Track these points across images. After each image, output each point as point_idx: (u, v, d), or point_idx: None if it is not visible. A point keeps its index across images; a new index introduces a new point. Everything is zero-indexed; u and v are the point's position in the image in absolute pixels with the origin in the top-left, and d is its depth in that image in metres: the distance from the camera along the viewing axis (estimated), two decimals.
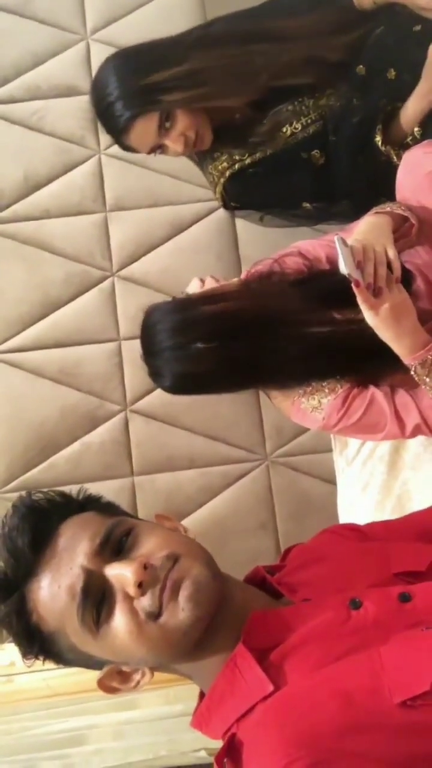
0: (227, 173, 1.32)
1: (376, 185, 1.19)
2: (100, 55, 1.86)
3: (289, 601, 0.67)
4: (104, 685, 0.66)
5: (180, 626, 0.61)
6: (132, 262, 1.73)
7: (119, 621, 0.61)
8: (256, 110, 1.30)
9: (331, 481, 1.45)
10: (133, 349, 1.56)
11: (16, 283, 1.70)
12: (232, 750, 0.60)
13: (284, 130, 1.28)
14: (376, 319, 0.96)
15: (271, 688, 0.59)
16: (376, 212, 1.05)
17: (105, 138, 1.80)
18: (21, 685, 1.49)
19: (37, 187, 1.76)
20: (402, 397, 1.06)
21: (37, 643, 0.63)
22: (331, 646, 0.60)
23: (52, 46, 1.87)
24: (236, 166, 1.31)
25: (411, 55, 1.22)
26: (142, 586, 0.60)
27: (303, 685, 0.59)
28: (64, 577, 0.62)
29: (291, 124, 1.27)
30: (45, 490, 0.68)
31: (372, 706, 0.55)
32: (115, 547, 0.63)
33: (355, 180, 1.26)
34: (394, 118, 1.24)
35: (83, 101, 1.82)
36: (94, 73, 1.86)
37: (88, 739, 1.48)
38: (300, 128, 1.27)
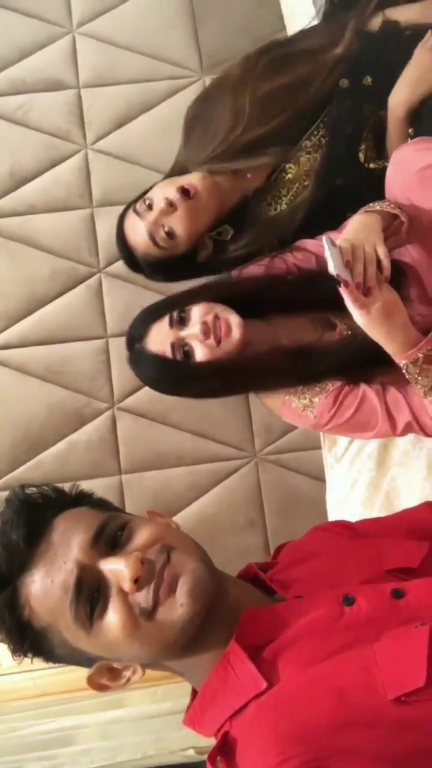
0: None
1: (369, 200, 1.18)
2: (86, 48, 1.84)
3: (281, 598, 0.67)
4: (94, 683, 0.65)
5: (177, 622, 0.60)
6: (119, 260, 1.69)
7: (113, 617, 0.60)
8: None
9: (320, 478, 1.45)
10: (120, 347, 1.55)
11: (1, 279, 1.68)
12: (225, 748, 0.59)
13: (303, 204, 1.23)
14: (366, 318, 0.96)
15: (264, 685, 0.59)
16: (366, 211, 1.05)
17: (92, 133, 1.79)
18: (7, 685, 1.48)
19: (23, 182, 1.74)
20: (393, 395, 1.06)
21: (29, 638, 0.62)
22: (324, 642, 0.60)
23: (38, 39, 1.85)
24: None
25: (384, 59, 1.22)
26: (138, 582, 0.60)
27: (296, 682, 0.58)
28: (57, 571, 0.61)
29: (312, 167, 1.22)
30: (38, 484, 0.67)
31: (366, 703, 0.55)
32: (110, 541, 0.63)
33: (355, 200, 1.25)
34: (382, 130, 1.23)
35: (69, 95, 1.80)
36: (80, 66, 1.86)
37: (75, 740, 1.47)
38: (322, 160, 1.23)
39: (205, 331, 1.04)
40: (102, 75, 1.83)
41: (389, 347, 0.98)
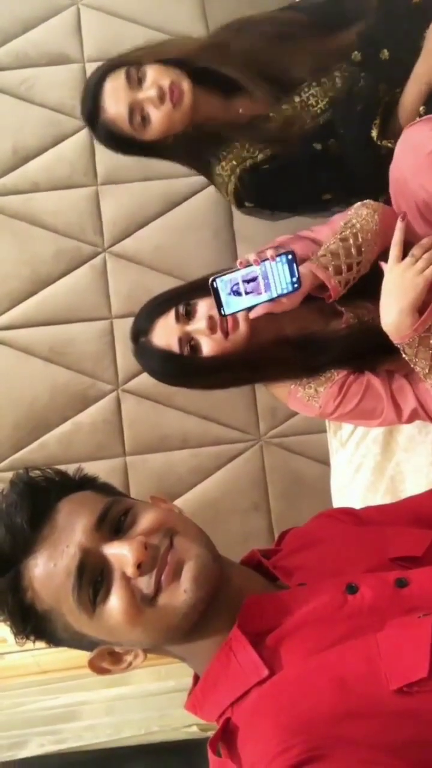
0: (238, 171, 1.25)
1: (378, 179, 1.15)
2: (91, 21, 1.80)
3: (284, 585, 0.66)
4: (95, 666, 0.65)
5: (180, 608, 0.60)
6: (124, 238, 1.69)
7: (115, 602, 0.60)
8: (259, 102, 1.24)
9: (325, 461, 1.45)
10: (125, 328, 1.53)
11: (5, 258, 1.66)
12: (226, 734, 0.59)
13: (295, 125, 1.22)
14: (396, 272, 0.97)
15: (266, 672, 0.59)
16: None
17: None
18: (12, 661, 1.49)
19: (26, 159, 1.71)
20: (398, 382, 1.06)
21: (31, 622, 0.62)
22: (326, 631, 0.59)
23: (42, 11, 1.80)
24: (247, 163, 1.24)
25: (403, 32, 1.18)
26: (141, 567, 0.59)
27: (299, 670, 0.58)
28: (60, 555, 0.60)
29: (299, 120, 1.21)
30: (42, 467, 0.67)
31: (368, 693, 0.54)
32: (113, 525, 0.62)
33: (363, 174, 1.22)
34: (393, 109, 1.20)
35: (74, 70, 1.77)
36: (85, 40, 1.81)
37: (80, 715, 1.49)
38: (309, 120, 1.22)
39: (211, 326, 1.04)
40: (107, 49, 1.78)
41: (390, 323, 0.97)
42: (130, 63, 1.18)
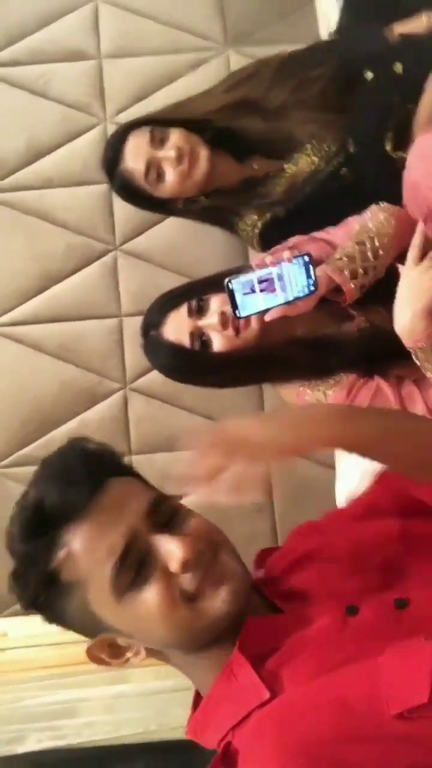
0: (260, 225, 1.30)
1: (397, 193, 1.15)
2: (109, 18, 1.80)
3: (281, 608, 0.66)
4: (93, 655, 0.65)
5: (214, 614, 0.60)
6: (136, 236, 1.69)
7: (153, 594, 0.60)
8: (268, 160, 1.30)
9: (330, 465, 1.44)
10: (134, 327, 1.53)
11: (16, 254, 1.66)
12: (227, 758, 0.59)
13: (304, 182, 1.26)
14: (414, 275, 0.96)
15: (267, 694, 0.58)
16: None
17: (111, 106, 1.75)
18: (13, 656, 1.50)
19: (40, 155, 1.71)
20: (408, 388, 1.05)
21: (50, 590, 0.61)
22: (328, 654, 0.59)
23: (59, 7, 1.80)
24: (268, 215, 1.29)
25: (416, 46, 1.18)
26: (185, 566, 0.59)
27: (299, 693, 0.58)
28: (108, 531, 0.60)
29: (313, 168, 1.25)
30: (98, 441, 0.67)
31: (369, 716, 0.54)
32: (164, 519, 0.62)
33: (382, 189, 1.23)
34: (407, 123, 1.20)
35: (90, 66, 1.76)
36: (102, 36, 1.81)
37: (79, 712, 1.49)
38: (324, 164, 1.25)
39: (223, 322, 1.04)
40: (124, 46, 1.79)
41: (404, 327, 0.97)
42: (157, 123, 1.25)
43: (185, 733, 0.65)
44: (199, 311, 1.05)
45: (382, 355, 1.05)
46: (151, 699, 1.47)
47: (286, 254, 0.98)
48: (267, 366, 1.08)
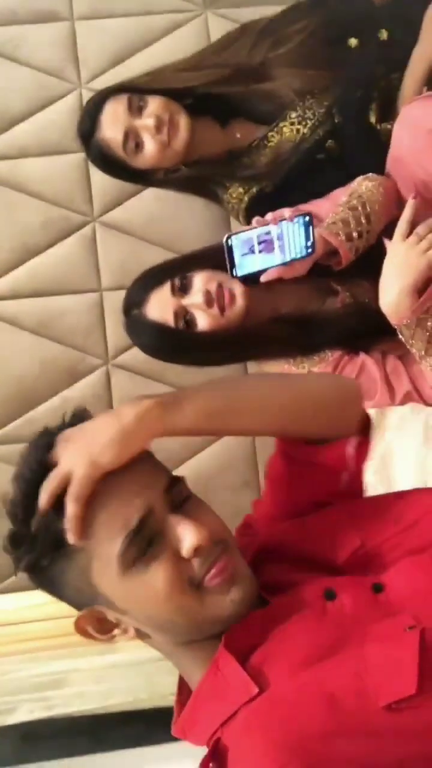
0: (246, 198, 1.26)
1: (382, 166, 1.13)
2: None
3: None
4: (80, 627, 0.64)
5: (221, 611, 0.60)
6: (114, 207, 1.65)
7: (161, 573, 0.59)
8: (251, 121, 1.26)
9: None
10: (115, 301, 1.51)
11: None
12: (216, 755, 0.59)
13: (289, 152, 1.22)
14: (400, 248, 0.95)
15: (255, 690, 0.58)
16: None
17: (87, 70, 1.69)
18: (0, 630, 1.51)
19: (13, 123, 1.65)
20: (392, 363, 1.05)
21: (58, 551, 0.60)
22: (311, 643, 0.59)
23: None
24: (254, 189, 1.25)
25: (402, 11, 1.15)
26: (197, 551, 0.59)
27: (287, 687, 0.58)
28: (125, 503, 0.59)
29: (299, 137, 1.21)
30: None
31: (358, 710, 0.54)
32: (177, 502, 0.61)
33: (366, 162, 1.20)
34: (391, 93, 1.17)
35: (63, 29, 1.69)
36: None
37: (69, 682, 1.51)
38: (309, 132, 1.21)
39: (208, 301, 1.02)
40: (98, 7, 1.71)
41: (391, 304, 0.96)
42: (135, 90, 1.20)
43: (173, 732, 0.64)
44: (183, 289, 1.03)
45: (367, 330, 1.04)
46: (140, 668, 1.49)
47: (288, 213, 0.96)
48: (252, 344, 1.08)
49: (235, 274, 0.97)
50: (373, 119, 1.18)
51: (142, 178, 1.31)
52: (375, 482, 1.28)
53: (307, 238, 0.97)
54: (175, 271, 1.05)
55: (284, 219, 0.95)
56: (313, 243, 0.97)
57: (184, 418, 0.63)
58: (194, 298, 1.03)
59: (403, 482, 1.31)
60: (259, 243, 0.96)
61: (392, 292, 0.95)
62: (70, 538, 0.58)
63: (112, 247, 1.61)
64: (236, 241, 0.95)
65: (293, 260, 0.98)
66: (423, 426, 1.29)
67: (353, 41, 1.19)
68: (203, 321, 1.03)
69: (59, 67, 1.67)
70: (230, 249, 0.95)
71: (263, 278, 1.00)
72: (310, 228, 0.96)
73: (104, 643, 0.65)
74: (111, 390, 1.59)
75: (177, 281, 1.04)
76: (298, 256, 0.97)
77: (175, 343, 1.06)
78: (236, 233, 0.96)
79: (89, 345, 1.59)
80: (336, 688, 0.55)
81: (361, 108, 1.19)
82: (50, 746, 1.46)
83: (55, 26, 1.69)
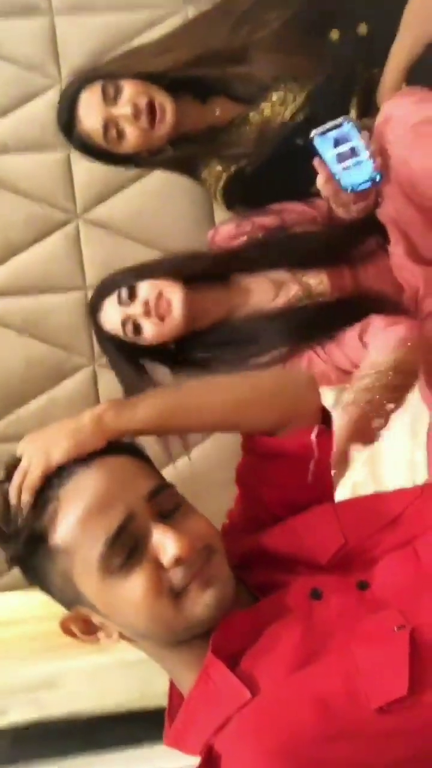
0: (224, 177, 1.27)
1: None
2: None
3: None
4: (65, 627, 0.64)
5: (194, 616, 0.59)
6: (98, 204, 1.63)
7: (141, 581, 0.59)
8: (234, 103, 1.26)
9: None
10: None
11: None
12: (209, 763, 0.58)
13: (271, 133, 1.23)
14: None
15: (248, 695, 0.57)
16: None
17: (67, 66, 1.67)
18: None
19: None
20: (327, 345, 1.12)
21: (38, 549, 0.61)
22: (299, 645, 0.59)
23: None
24: (232, 168, 1.26)
25: (382, 5, 1.15)
26: (178, 562, 0.59)
27: (278, 691, 0.57)
28: (106, 506, 0.59)
29: (279, 119, 1.22)
30: None
31: (350, 713, 0.54)
32: (165, 509, 0.61)
33: None
34: (371, 88, 1.18)
35: (44, 23, 1.66)
36: None
37: (61, 683, 1.50)
38: (289, 116, 1.21)
39: (146, 312, 1.10)
40: (78, 1, 1.70)
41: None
42: (107, 76, 1.18)
43: (165, 742, 0.64)
44: (130, 299, 1.11)
45: (314, 325, 1.10)
46: (133, 668, 1.49)
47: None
48: (196, 354, 1.14)
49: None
50: (354, 114, 1.19)
51: (129, 160, 1.30)
52: (364, 479, 1.29)
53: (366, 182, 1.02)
54: (123, 282, 1.14)
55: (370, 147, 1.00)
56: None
57: (137, 417, 0.66)
58: (135, 309, 1.11)
59: (392, 477, 1.31)
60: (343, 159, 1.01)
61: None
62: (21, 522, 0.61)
63: (96, 245, 1.61)
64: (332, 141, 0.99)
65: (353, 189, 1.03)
66: (410, 420, 1.30)
67: (335, 34, 1.19)
68: (147, 329, 1.11)
69: (39, 62, 1.65)
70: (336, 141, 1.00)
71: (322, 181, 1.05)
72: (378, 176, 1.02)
73: (88, 645, 0.65)
74: (98, 390, 1.59)
75: (123, 292, 1.12)
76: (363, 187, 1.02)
77: (125, 352, 1.16)
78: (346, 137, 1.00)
79: (75, 344, 1.58)
80: (327, 692, 0.55)
81: (341, 102, 1.19)
82: (42, 747, 1.46)
83: (35, 21, 1.66)
